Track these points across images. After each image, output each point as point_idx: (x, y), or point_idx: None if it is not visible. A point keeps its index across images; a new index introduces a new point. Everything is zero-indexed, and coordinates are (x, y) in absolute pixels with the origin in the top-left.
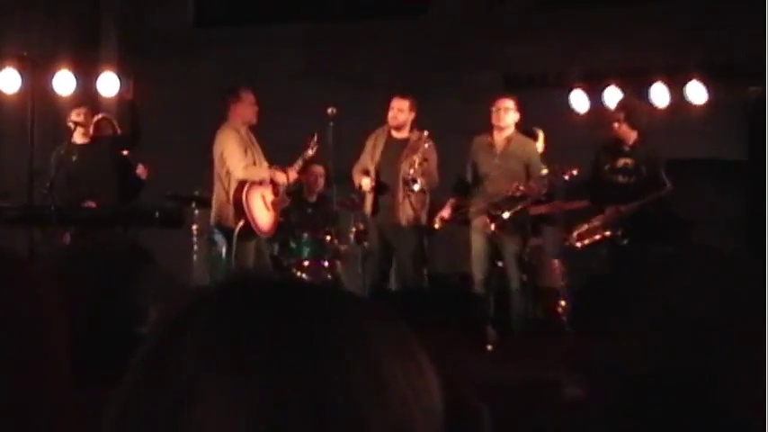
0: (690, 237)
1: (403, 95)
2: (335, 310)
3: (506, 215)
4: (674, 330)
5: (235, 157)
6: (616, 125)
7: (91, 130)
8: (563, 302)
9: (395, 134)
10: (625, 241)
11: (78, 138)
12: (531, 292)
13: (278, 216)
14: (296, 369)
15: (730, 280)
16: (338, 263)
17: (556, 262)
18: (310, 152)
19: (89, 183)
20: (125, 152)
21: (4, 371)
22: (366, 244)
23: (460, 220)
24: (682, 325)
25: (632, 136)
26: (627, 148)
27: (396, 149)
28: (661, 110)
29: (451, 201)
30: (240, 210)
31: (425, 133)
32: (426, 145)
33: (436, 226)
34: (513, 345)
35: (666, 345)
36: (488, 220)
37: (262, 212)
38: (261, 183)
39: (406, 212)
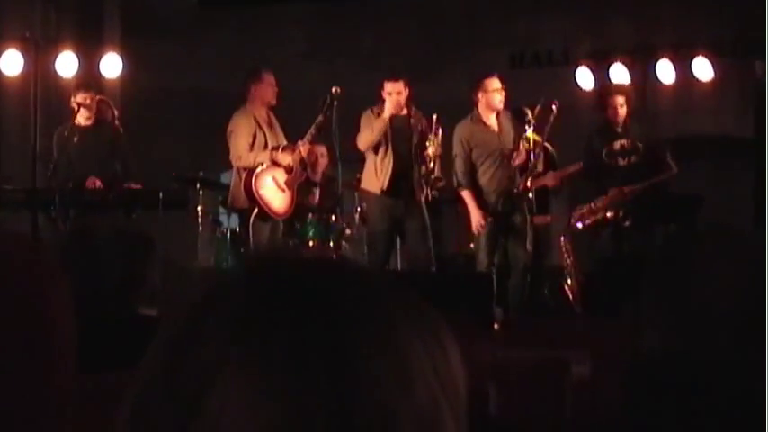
0: (695, 216)
1: (395, 77)
2: (365, 295)
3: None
4: (688, 313)
5: (239, 143)
6: (618, 109)
7: (94, 113)
8: (569, 282)
9: (397, 115)
10: (626, 223)
11: (81, 120)
12: (536, 270)
13: (294, 194)
14: (322, 358)
15: (746, 262)
16: (344, 243)
17: (563, 239)
18: (321, 118)
19: (91, 165)
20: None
21: (9, 354)
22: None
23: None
24: (696, 308)
25: (625, 119)
26: (619, 130)
27: (402, 126)
28: (667, 87)
29: (470, 198)
30: (251, 197)
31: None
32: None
33: (475, 232)
34: (520, 324)
35: (679, 328)
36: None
37: (275, 196)
38: (272, 164)
39: (420, 191)
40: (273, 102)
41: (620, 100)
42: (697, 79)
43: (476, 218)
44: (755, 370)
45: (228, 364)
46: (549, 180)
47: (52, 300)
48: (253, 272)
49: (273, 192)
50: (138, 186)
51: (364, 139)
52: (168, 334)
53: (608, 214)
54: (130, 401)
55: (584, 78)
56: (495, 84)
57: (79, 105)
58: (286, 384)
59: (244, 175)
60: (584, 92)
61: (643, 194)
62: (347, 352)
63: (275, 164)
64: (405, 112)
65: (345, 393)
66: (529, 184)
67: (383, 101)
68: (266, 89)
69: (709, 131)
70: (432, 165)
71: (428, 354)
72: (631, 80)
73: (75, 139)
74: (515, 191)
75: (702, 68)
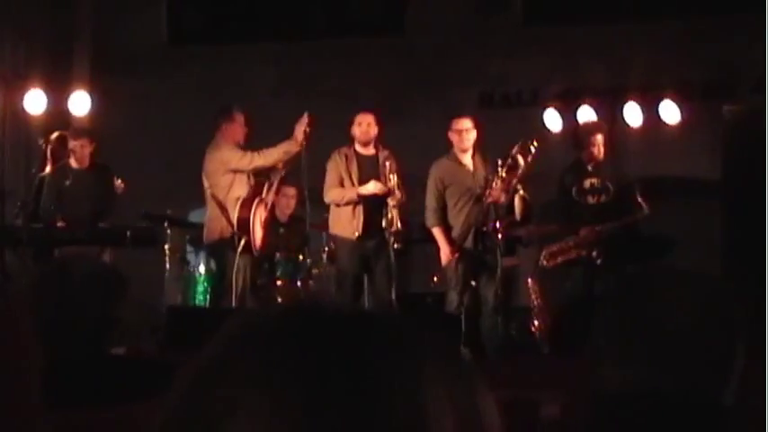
0: (664, 256)
1: (367, 109)
2: (392, 346)
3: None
4: (646, 349)
5: (245, 158)
6: (596, 148)
7: (88, 158)
8: (536, 322)
9: (362, 150)
10: (598, 261)
11: (73, 162)
12: (504, 311)
13: (267, 233)
14: (342, 405)
15: (701, 299)
16: (311, 283)
17: (530, 281)
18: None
19: (77, 207)
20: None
21: None
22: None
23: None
24: (655, 344)
25: (599, 157)
26: (591, 168)
27: (371, 166)
28: (635, 129)
29: (440, 234)
30: (246, 228)
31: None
32: (389, 162)
33: (444, 263)
34: (488, 365)
35: (640, 364)
36: (474, 241)
37: (258, 231)
38: (261, 200)
39: (387, 230)
40: (242, 142)
41: (600, 138)
42: (664, 122)
43: (445, 251)
44: (709, 403)
45: (250, 401)
46: (524, 233)
47: (15, 335)
48: (284, 316)
49: (258, 228)
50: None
51: (331, 197)
52: (195, 367)
53: (580, 253)
54: (159, 428)
55: (553, 120)
56: (464, 123)
57: (72, 151)
58: (304, 424)
59: (234, 207)
60: (552, 133)
61: (614, 234)
62: (368, 399)
63: (264, 200)
64: (373, 150)
65: None
66: (499, 226)
67: (352, 139)
68: (236, 128)
69: (677, 173)
70: (391, 217)
71: (453, 403)
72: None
73: (68, 181)
74: (485, 229)
75: (670, 111)
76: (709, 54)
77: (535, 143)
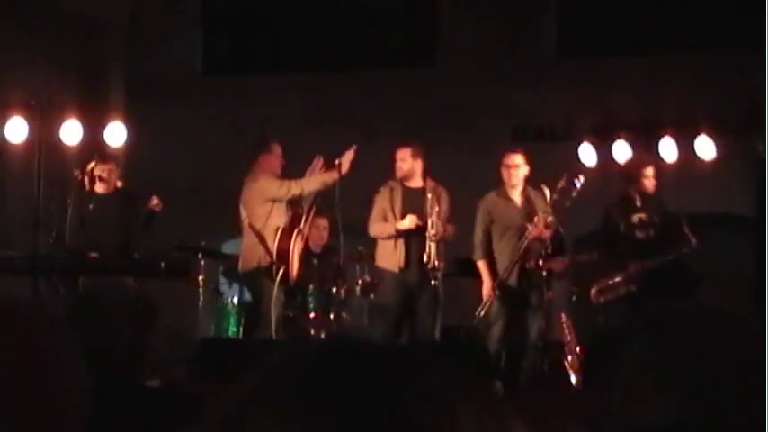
0: (699, 293)
1: (404, 144)
2: (426, 383)
3: (540, 264)
4: (677, 386)
5: (284, 187)
6: (648, 181)
7: (113, 183)
8: (570, 357)
9: (409, 184)
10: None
11: (99, 188)
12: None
13: (302, 264)
14: None
15: (733, 340)
16: (344, 315)
17: (563, 315)
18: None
19: (100, 232)
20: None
21: (16, 419)
22: (372, 296)
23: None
24: (685, 382)
25: (647, 192)
26: (638, 203)
27: (415, 199)
28: (670, 164)
29: (485, 268)
30: (284, 258)
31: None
32: (431, 196)
33: (485, 298)
34: (520, 399)
35: (670, 400)
36: (518, 276)
37: (296, 261)
38: (299, 231)
39: (430, 267)
40: (279, 173)
41: (651, 171)
42: (699, 158)
43: (487, 286)
44: None
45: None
46: (557, 264)
47: (63, 364)
48: (319, 352)
49: (296, 258)
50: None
51: (373, 231)
52: (230, 400)
53: (630, 288)
54: None
55: (588, 154)
56: (515, 159)
57: (99, 178)
58: None
59: (278, 237)
60: (587, 168)
61: (662, 269)
62: None
63: (301, 231)
64: (420, 183)
65: None
66: (541, 262)
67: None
68: (274, 160)
69: (711, 210)
70: (429, 251)
71: None
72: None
73: (91, 206)
74: (527, 266)
75: (705, 147)
76: (745, 89)
77: (581, 177)
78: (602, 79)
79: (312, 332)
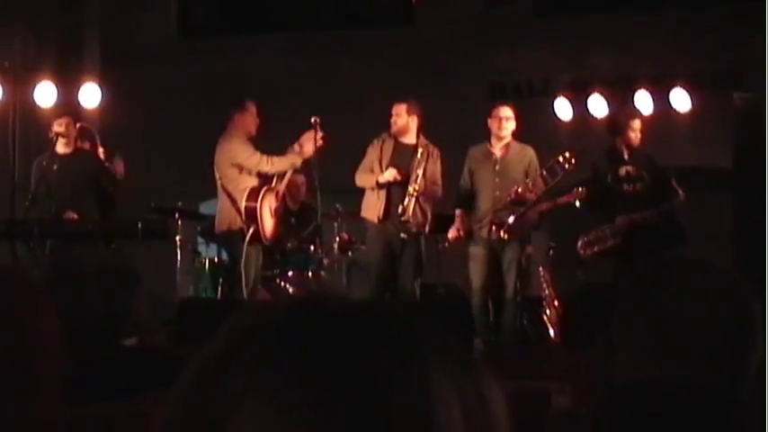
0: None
1: (400, 100)
2: (398, 339)
3: (511, 219)
4: (660, 341)
5: (256, 155)
6: (634, 134)
7: (73, 141)
8: (548, 312)
9: (401, 139)
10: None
11: (60, 148)
12: (516, 300)
13: (279, 223)
14: (347, 397)
15: (716, 291)
16: (323, 273)
17: (541, 269)
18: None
19: (70, 193)
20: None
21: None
22: (350, 253)
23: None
24: (669, 336)
25: (633, 144)
26: (626, 156)
27: (405, 155)
28: (645, 117)
29: (458, 217)
30: (253, 217)
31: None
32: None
33: (447, 244)
34: (500, 354)
35: (654, 356)
36: (495, 228)
37: (268, 220)
38: (269, 189)
39: (414, 221)
40: (254, 133)
41: (638, 124)
42: (675, 110)
43: (452, 229)
44: (724, 395)
45: (255, 396)
46: (551, 206)
47: (41, 328)
48: (287, 310)
49: (268, 216)
50: (75, 217)
51: (359, 181)
52: (200, 360)
53: (616, 241)
54: (160, 424)
55: (563, 109)
56: (502, 112)
57: (57, 134)
58: (309, 419)
59: (245, 196)
60: (563, 122)
61: (650, 222)
62: (372, 393)
63: (276, 189)
64: (413, 140)
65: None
66: (517, 215)
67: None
68: (248, 119)
69: (688, 162)
70: (405, 204)
71: (459, 395)
72: (609, 111)
73: (55, 167)
74: (507, 220)
75: (681, 99)
76: (720, 42)
77: (573, 159)
78: (577, 36)
79: (290, 291)
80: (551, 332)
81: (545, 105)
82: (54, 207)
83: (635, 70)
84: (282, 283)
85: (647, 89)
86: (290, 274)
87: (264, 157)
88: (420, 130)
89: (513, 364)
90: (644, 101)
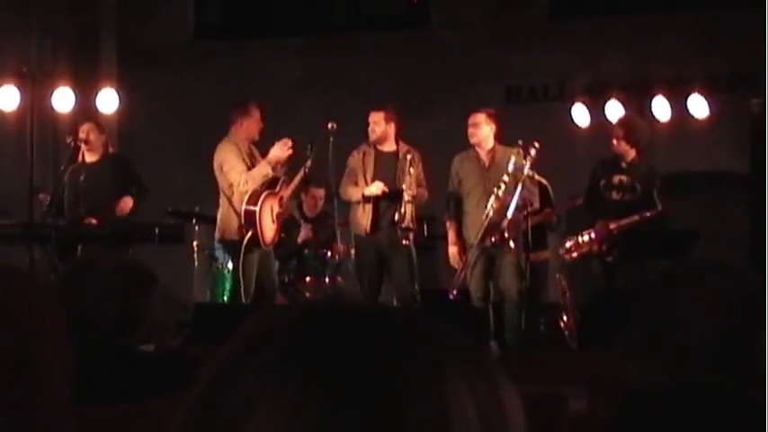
0: (690, 251)
1: (377, 108)
2: (412, 344)
3: (504, 224)
4: (677, 345)
5: (236, 170)
6: (615, 142)
7: (100, 147)
8: (565, 318)
9: (381, 148)
10: (609, 258)
11: (87, 156)
12: (533, 306)
13: (280, 228)
14: (359, 402)
15: (734, 294)
16: (339, 279)
17: (558, 276)
18: (309, 163)
19: (97, 202)
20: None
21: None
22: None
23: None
24: (686, 340)
25: (631, 153)
26: (624, 165)
27: (387, 163)
28: (662, 123)
29: (451, 230)
30: (251, 221)
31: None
32: (410, 157)
33: (454, 265)
34: (517, 359)
35: (669, 360)
36: (487, 234)
37: (268, 226)
38: (271, 193)
39: (403, 228)
40: (256, 138)
41: (617, 131)
42: (692, 116)
43: (451, 251)
44: (741, 401)
45: (268, 401)
46: (547, 215)
47: (47, 330)
48: (301, 315)
49: (268, 222)
50: (94, 222)
51: (345, 195)
52: (213, 367)
53: (592, 247)
54: (175, 427)
55: (580, 115)
56: (474, 118)
57: (83, 142)
58: (324, 424)
59: (241, 200)
60: (580, 128)
61: (630, 230)
62: (386, 398)
63: (279, 194)
64: (393, 147)
65: None
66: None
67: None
68: (252, 123)
69: (705, 167)
70: (403, 212)
71: (475, 398)
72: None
73: (82, 177)
74: (502, 227)
75: (698, 105)
76: (738, 47)
77: (536, 144)
78: (593, 39)
79: (308, 296)
80: (568, 338)
81: (562, 110)
82: (81, 216)
83: (651, 73)
84: (299, 289)
85: (664, 95)
86: (306, 279)
87: (243, 176)
88: (398, 135)
89: (529, 369)
90: (661, 107)
